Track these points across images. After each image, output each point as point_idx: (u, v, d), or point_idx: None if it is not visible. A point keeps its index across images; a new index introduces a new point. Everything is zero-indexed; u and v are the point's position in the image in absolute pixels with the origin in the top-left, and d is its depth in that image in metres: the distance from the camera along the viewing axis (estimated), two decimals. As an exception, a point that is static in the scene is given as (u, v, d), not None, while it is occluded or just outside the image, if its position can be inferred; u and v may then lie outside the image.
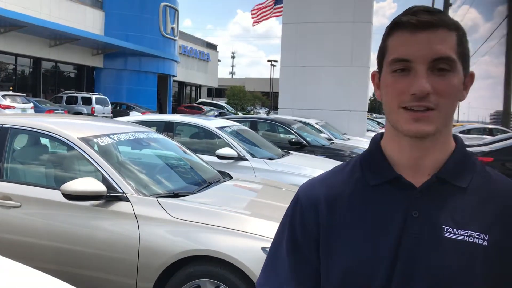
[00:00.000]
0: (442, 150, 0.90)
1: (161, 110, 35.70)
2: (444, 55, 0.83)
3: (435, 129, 0.85)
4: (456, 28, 0.86)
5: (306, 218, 0.94)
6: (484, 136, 17.07)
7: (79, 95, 25.59)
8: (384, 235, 0.86)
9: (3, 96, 18.93)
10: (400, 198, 0.88)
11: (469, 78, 0.89)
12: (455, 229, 0.83)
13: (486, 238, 0.82)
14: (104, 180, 3.13)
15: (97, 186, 3.01)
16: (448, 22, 0.85)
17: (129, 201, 3.07)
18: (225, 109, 38.79)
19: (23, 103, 19.42)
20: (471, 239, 0.83)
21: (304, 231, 0.94)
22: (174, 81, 39.58)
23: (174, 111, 36.97)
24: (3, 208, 3.26)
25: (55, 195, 3.13)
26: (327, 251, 0.91)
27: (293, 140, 8.62)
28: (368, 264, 0.86)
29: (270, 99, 52.12)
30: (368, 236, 0.87)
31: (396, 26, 0.88)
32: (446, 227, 0.84)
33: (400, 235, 0.85)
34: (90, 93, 26.59)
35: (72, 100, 25.14)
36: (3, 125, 3.56)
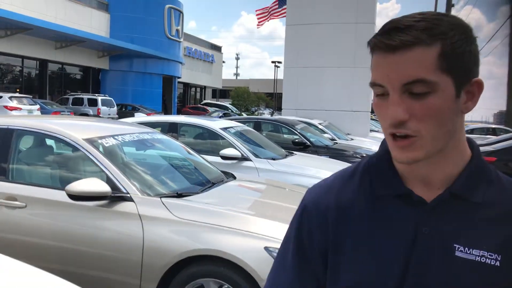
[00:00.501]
0: (455, 162, 0.84)
1: (166, 111, 35.78)
2: (415, 79, 0.76)
3: (423, 154, 0.79)
4: (441, 37, 0.76)
5: (314, 229, 0.91)
6: (488, 136, 17.00)
7: (85, 96, 25.72)
8: (393, 248, 0.83)
9: (10, 97, 19.05)
10: (410, 212, 0.84)
11: (474, 86, 0.80)
12: (466, 248, 0.80)
13: (499, 259, 0.80)
14: (109, 181, 3.16)
15: (102, 187, 3.04)
16: (424, 36, 0.76)
17: (133, 201, 3.09)
18: (230, 110, 38.81)
19: (30, 104, 19.54)
20: (483, 259, 0.80)
21: (311, 241, 0.91)
22: (179, 82, 39.68)
23: (179, 112, 37.05)
24: (9, 208, 3.30)
25: (60, 195, 3.17)
26: (336, 263, 0.88)
27: (297, 140, 8.63)
28: (376, 276, 0.84)
29: (274, 100, 52.11)
30: (377, 249, 0.85)
31: (371, 46, 0.81)
32: (457, 246, 0.81)
33: (411, 249, 0.82)
34: (96, 94, 26.71)
35: (78, 102, 25.27)
36: (9, 127, 3.60)
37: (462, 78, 0.79)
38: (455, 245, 0.81)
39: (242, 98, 44.23)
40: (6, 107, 18.33)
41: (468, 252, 0.80)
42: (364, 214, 0.87)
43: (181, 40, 36.68)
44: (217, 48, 52.94)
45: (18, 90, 25.25)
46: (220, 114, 30.92)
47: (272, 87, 54.48)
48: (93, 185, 3.02)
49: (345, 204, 0.89)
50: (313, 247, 0.91)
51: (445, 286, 0.80)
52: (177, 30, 35.42)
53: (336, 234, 0.88)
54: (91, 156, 3.31)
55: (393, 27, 0.78)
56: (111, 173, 3.21)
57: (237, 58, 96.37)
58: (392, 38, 0.77)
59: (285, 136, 9.47)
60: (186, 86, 46.30)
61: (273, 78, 54.00)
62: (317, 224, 0.91)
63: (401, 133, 0.78)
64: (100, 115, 23.70)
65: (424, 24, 0.77)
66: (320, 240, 0.90)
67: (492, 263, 0.79)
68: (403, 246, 0.83)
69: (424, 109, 0.77)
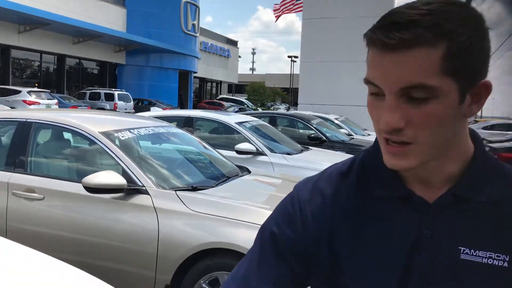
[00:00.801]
0: (456, 161, 0.78)
1: (182, 106, 35.97)
2: (415, 84, 0.68)
3: (417, 163, 0.73)
4: (448, 36, 0.67)
5: (307, 230, 0.84)
6: (508, 132, 16.74)
7: (102, 91, 25.99)
8: (393, 253, 0.78)
9: (29, 92, 19.37)
10: (411, 214, 0.78)
11: (481, 89, 0.72)
12: (472, 250, 0.76)
13: (507, 259, 0.75)
14: (125, 174, 3.19)
15: (118, 179, 3.06)
16: (428, 35, 0.66)
17: (149, 194, 3.11)
18: (245, 105, 38.85)
19: (48, 99, 19.84)
20: (490, 261, 0.75)
21: (300, 242, 0.84)
22: (195, 77, 39.85)
23: (195, 107, 37.22)
24: (27, 200, 3.35)
25: (77, 188, 3.20)
26: (333, 264, 0.83)
27: (312, 135, 8.60)
28: (376, 283, 0.79)
29: (290, 95, 52.03)
30: (376, 254, 0.79)
31: (367, 40, 0.73)
32: (462, 248, 0.76)
33: (412, 253, 0.77)
34: (113, 89, 26.97)
35: (95, 96, 25.55)
36: (27, 120, 3.65)
37: (469, 81, 0.70)
38: (460, 247, 0.76)
39: (258, 93, 44.26)
40: (24, 101, 18.64)
41: (474, 254, 0.76)
42: (362, 216, 0.81)
43: (197, 34, 36.77)
44: (233, 43, 52.98)
45: (36, 84, 25.64)
46: (236, 109, 30.97)
47: (288, 82, 54.39)
48: (109, 177, 3.05)
49: (342, 204, 0.83)
50: (301, 249, 0.84)
51: None
52: (193, 25, 35.51)
53: (333, 233, 0.82)
54: (107, 149, 3.34)
55: (393, 22, 0.68)
56: (126, 166, 3.23)
57: (253, 53, 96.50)
58: (391, 36, 0.67)
59: (301, 131, 9.45)
60: (202, 81, 46.48)
61: (290, 72, 53.91)
62: (312, 219, 0.84)
63: (395, 139, 0.71)
64: (117, 110, 23.92)
65: (430, 19, 0.66)
66: (312, 243, 0.83)
67: (500, 264, 0.75)
68: (404, 250, 0.78)
69: (423, 116, 0.69)
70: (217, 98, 45.41)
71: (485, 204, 0.77)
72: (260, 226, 0.89)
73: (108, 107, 24.43)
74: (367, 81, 0.73)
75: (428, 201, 0.78)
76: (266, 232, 0.88)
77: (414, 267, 0.77)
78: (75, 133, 3.62)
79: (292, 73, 52.71)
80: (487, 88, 0.73)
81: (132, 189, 3.13)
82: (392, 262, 0.78)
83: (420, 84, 0.67)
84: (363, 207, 0.82)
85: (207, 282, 2.98)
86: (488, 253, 0.76)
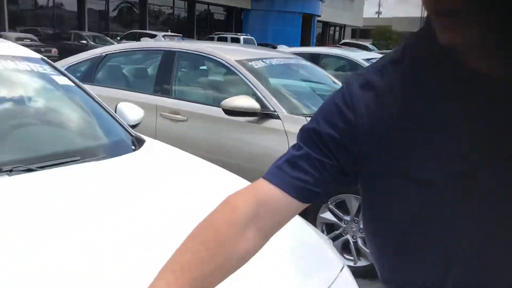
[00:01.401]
0: None
1: (305, 51, 35.83)
2: None
3: (474, 34, 0.64)
4: None
5: (359, 123, 0.76)
6: None
7: (229, 35, 26.82)
8: (463, 141, 0.70)
9: (163, 36, 20.91)
10: (477, 94, 0.69)
11: None
12: None
13: None
14: (258, 99, 3.37)
15: (253, 103, 3.25)
16: None
17: (280, 119, 3.27)
18: (370, 50, 37.39)
19: (180, 43, 21.19)
20: None
21: (352, 134, 0.76)
22: (318, 21, 39.08)
23: (317, 52, 36.79)
24: (173, 121, 3.73)
25: (215, 111, 3.47)
26: (389, 161, 0.75)
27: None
28: (443, 173, 0.71)
29: (419, 40, 48.68)
30: (442, 145, 0.71)
31: None
32: None
33: (485, 139, 0.69)
34: (239, 34, 27.68)
35: (222, 41, 26.51)
36: (171, 49, 3.99)
37: None
38: None
39: (384, 38, 42.16)
40: (160, 45, 20.13)
41: None
42: (421, 104, 0.73)
43: (322, -24, 35.75)
44: (360, -16, 50.50)
45: (169, 29, 27.27)
46: (360, 54, 30.03)
47: (417, 26, 50.80)
48: (246, 101, 3.25)
49: (398, 94, 0.74)
50: (359, 129, 0.76)
51: None
52: (319, -34, 34.50)
53: (390, 125, 0.74)
54: (242, 77, 3.54)
55: None
56: (260, 92, 3.41)
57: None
58: None
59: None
60: (325, 25, 45.44)
61: (420, 15, 50.24)
62: (366, 111, 0.76)
63: (446, 7, 0.64)
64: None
65: None
66: (368, 126, 0.75)
67: None
68: (474, 135, 0.69)
69: None
70: (340, 43, 44.24)
71: None
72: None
73: (234, 51, 25.26)
74: None
75: (494, 76, 0.68)
76: (310, 130, 0.80)
77: (487, 150, 0.69)
78: (213, 61, 3.87)
79: (422, 16, 49.01)
80: None
81: (265, 114, 3.31)
82: (462, 150, 0.70)
83: None
84: (421, 95, 0.73)
85: (334, 203, 3.10)
86: None
